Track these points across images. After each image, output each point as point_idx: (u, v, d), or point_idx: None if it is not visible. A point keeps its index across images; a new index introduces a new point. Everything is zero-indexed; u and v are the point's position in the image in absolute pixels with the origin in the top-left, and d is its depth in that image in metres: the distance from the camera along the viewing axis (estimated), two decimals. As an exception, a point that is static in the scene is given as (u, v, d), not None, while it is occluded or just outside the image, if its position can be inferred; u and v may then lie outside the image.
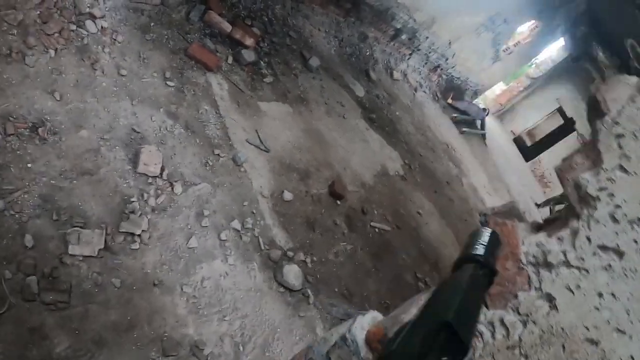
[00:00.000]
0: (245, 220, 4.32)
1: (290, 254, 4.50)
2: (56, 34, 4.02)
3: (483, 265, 1.15)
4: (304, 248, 4.72)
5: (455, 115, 12.13)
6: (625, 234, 1.20)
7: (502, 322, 1.31)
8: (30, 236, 3.16)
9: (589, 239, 1.23)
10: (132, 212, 3.59)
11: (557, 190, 18.45)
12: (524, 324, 1.27)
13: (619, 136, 1.26)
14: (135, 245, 3.51)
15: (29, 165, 3.36)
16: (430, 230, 7.27)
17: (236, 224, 4.21)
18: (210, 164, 4.44)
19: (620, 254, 1.21)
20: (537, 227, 1.47)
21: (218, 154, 4.57)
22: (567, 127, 16.60)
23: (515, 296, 1.30)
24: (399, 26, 9.18)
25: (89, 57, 4.14)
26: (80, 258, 3.27)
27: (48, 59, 3.89)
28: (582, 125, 16.18)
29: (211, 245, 3.93)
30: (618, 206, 1.19)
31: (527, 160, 18.11)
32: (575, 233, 1.25)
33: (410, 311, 1.46)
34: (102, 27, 4.37)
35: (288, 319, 4.11)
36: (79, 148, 3.63)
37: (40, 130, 3.49)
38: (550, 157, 18.36)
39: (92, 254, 3.30)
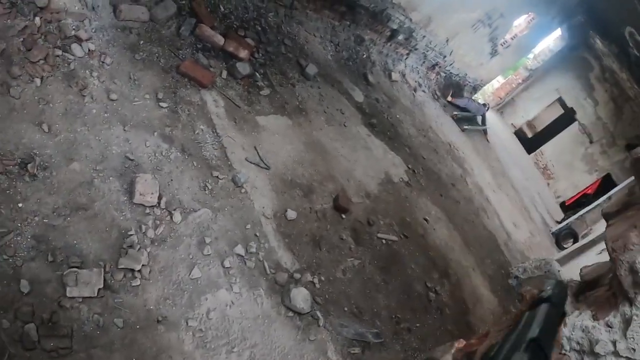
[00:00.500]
0: (249, 245, 4.14)
1: (297, 275, 4.32)
2: (41, 61, 3.83)
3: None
4: (311, 268, 4.54)
5: (456, 113, 11.96)
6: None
7: None
8: (26, 281, 3.00)
9: None
10: (131, 246, 3.41)
11: (561, 181, 18.32)
12: None
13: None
14: (136, 282, 3.34)
15: (20, 204, 3.18)
16: (438, 236, 7.09)
17: (240, 250, 4.03)
18: (210, 187, 4.26)
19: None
20: (578, 291, 1.31)
21: (217, 176, 4.38)
22: (568, 117, 16.44)
23: None
24: (395, 27, 8.99)
25: (77, 83, 3.94)
26: (80, 300, 3.12)
27: (34, 88, 3.69)
28: (583, 115, 16.05)
29: (215, 274, 3.75)
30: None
31: (529, 152, 17.97)
32: (627, 321, 1.12)
33: None
34: (89, 49, 4.16)
35: (298, 344, 3.94)
36: (71, 182, 3.44)
37: (29, 166, 3.32)
38: (552, 148, 18.23)
39: (91, 294, 3.14)
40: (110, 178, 3.64)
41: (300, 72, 6.73)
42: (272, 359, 3.69)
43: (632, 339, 1.09)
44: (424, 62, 10.79)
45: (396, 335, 4.92)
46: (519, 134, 18.62)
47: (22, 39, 3.82)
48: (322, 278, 4.57)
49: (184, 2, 5.22)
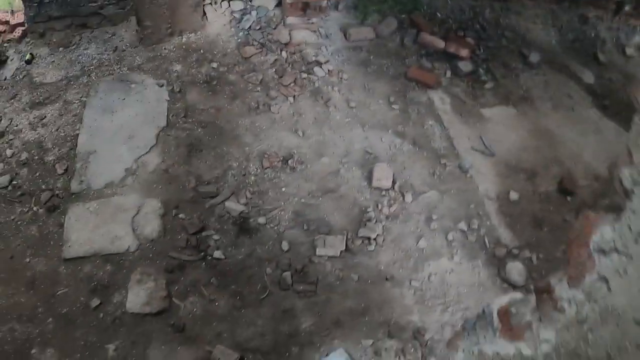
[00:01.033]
0: (472, 222, 4.65)
1: (515, 251, 4.68)
2: (292, 84, 5.10)
3: None
4: (530, 246, 4.84)
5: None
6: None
7: (574, 299, 1.64)
8: (287, 242, 4.24)
9: (630, 228, 1.45)
10: (369, 220, 4.32)
11: None
12: (589, 302, 1.57)
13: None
14: (371, 247, 4.27)
15: (283, 189, 4.45)
16: None
17: (462, 225, 4.58)
18: (437, 173, 4.88)
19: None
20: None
21: (444, 164, 4.99)
22: None
23: (584, 278, 1.61)
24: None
25: (322, 97, 5.04)
26: (326, 258, 4.18)
27: (288, 105, 4.98)
28: None
29: (439, 245, 4.39)
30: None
31: None
32: (621, 223, 1.49)
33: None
34: (328, 70, 5.29)
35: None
36: (322, 172, 4.48)
37: (289, 161, 4.60)
38: None
39: (335, 254, 4.18)
40: (353, 168, 4.61)
41: (523, 61, 6.94)
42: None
43: (623, 237, 1.47)
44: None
45: None
46: None
47: (274, 69, 5.27)
48: (541, 256, 4.83)
49: (404, 16, 5.99)
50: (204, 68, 5.56)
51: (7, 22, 6.00)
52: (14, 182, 4.62)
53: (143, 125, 5.05)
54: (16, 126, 5.06)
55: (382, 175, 4.50)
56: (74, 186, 4.60)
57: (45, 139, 4.95)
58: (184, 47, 5.83)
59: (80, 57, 5.75)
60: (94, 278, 4.06)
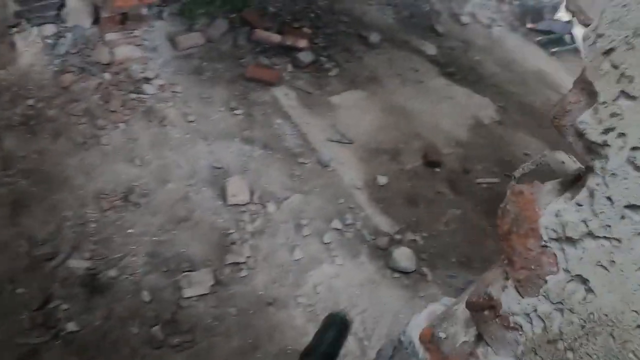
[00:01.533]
0: (345, 217, 4.31)
1: (397, 237, 4.42)
2: (120, 108, 4.38)
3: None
4: (411, 227, 4.62)
5: (539, 38, 11.36)
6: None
7: (536, 312, 1.14)
8: (147, 291, 3.49)
9: (610, 200, 0.96)
10: (233, 243, 3.76)
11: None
12: (561, 312, 1.08)
13: (609, 52, 0.94)
14: (244, 273, 3.69)
15: (130, 230, 3.66)
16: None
17: (336, 224, 4.22)
18: (297, 174, 4.48)
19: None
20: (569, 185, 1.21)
21: (302, 162, 4.60)
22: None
23: (545, 281, 1.11)
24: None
25: (156, 116, 4.40)
26: (195, 298, 3.52)
27: (120, 132, 4.23)
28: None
29: (316, 251, 3.97)
30: (636, 148, 0.89)
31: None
32: (592, 194, 0.99)
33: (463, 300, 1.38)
34: (159, 85, 4.63)
35: (408, 303, 4.04)
36: (170, 200, 3.85)
37: (131, 197, 3.83)
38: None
39: (205, 292, 3.54)
40: (203, 188, 4.02)
41: (364, 43, 6.78)
42: (384, 321, 3.83)
43: (602, 214, 0.97)
44: (493, -4, 10.37)
45: None
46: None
47: (99, 95, 4.41)
48: (424, 234, 4.63)
49: (234, 15, 5.51)
50: (19, 108, 4.70)
51: None
52: None
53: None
54: None
55: (237, 189, 4.00)
56: None
57: None
58: (-8, 87, 4.96)
59: None
60: None
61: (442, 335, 1.50)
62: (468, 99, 7.26)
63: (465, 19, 9.51)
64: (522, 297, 1.18)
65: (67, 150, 4.31)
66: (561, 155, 1.35)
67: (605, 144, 0.94)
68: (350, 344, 3.60)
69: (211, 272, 3.61)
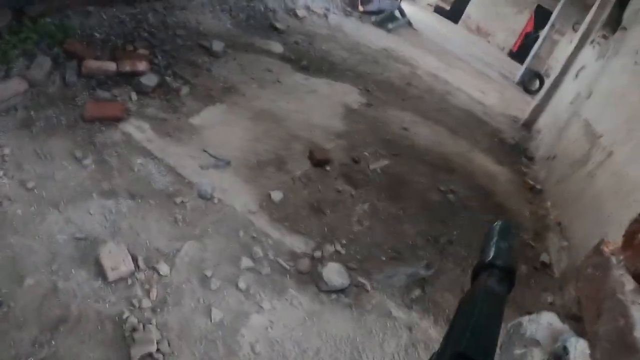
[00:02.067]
0: (253, 251, 3.51)
1: (317, 254, 3.72)
2: None
3: (499, 269, 0.91)
4: (327, 238, 3.95)
5: (373, 19, 11.27)
6: None
7: None
8: None
9: None
10: (134, 329, 2.75)
11: (498, 33, 17.82)
12: None
13: None
14: None
15: None
16: (423, 137, 6.55)
17: (246, 262, 3.40)
18: (180, 217, 3.59)
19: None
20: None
21: (182, 202, 3.71)
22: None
23: None
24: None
25: None
26: None
27: None
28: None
29: (235, 303, 3.13)
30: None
31: (456, 22, 17.42)
32: None
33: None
34: None
35: (359, 322, 3.38)
36: (34, 301, 2.74)
37: None
38: (476, 8, 17.66)
39: None
40: (72, 271, 2.95)
41: (208, 53, 6.00)
42: (342, 354, 3.12)
43: None
44: (320, -15, 10.07)
45: (442, 254, 4.40)
46: (438, 10, 18.06)
47: None
48: (343, 241, 3.99)
49: (55, 49, 4.42)
50: None
51: None
52: None
53: None
54: None
55: (115, 259, 3.01)
56: None
57: None
58: None
59: None
60: None
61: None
62: (330, 89, 6.77)
63: (301, 12, 9.06)
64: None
65: None
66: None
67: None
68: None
69: (118, 381, 2.61)
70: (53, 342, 2.60)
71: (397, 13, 12.39)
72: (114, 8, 5.38)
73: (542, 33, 13.70)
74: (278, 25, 8.02)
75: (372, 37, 10.39)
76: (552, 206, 6.22)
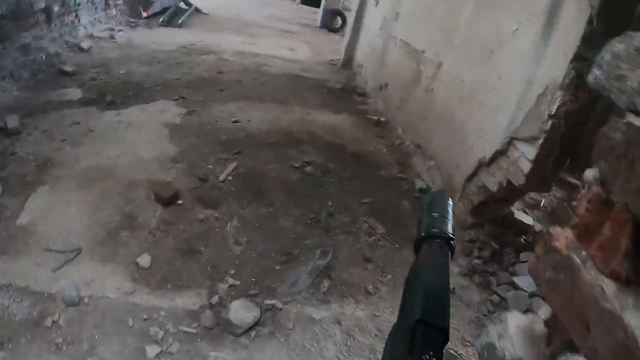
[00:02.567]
0: (152, 334, 3.12)
1: (214, 299, 3.44)
2: None
3: (436, 237, 0.94)
4: (214, 277, 3.66)
5: (161, 19, 10.67)
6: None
7: None
8: None
9: None
10: None
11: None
12: None
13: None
14: None
15: None
16: (257, 121, 6.37)
17: (152, 350, 2.99)
18: (60, 340, 3.03)
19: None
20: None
21: (53, 322, 3.14)
22: None
23: None
24: (43, 5, 7.39)
25: None
26: None
27: None
28: None
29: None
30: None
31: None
32: None
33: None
34: None
35: (289, 344, 3.18)
36: None
37: None
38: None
39: None
40: None
41: (6, 135, 5.22)
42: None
43: None
44: (96, 8, 9.27)
45: (331, 233, 4.32)
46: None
47: None
48: (232, 271, 3.72)
49: None
50: None
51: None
52: None
53: None
54: None
55: None
56: None
57: None
58: None
59: None
60: None
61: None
62: (145, 114, 6.24)
63: (85, 44, 8.27)
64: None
65: None
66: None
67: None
68: None
69: None
70: None
71: (182, 4, 11.85)
72: None
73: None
74: (67, 68, 7.26)
75: (166, 38, 9.83)
76: (404, 132, 6.34)
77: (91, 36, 8.67)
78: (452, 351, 3.35)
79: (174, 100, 6.74)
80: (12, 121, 5.39)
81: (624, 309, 1.52)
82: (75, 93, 6.61)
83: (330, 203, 4.76)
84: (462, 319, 3.70)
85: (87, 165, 4.93)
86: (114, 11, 9.92)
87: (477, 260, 4.37)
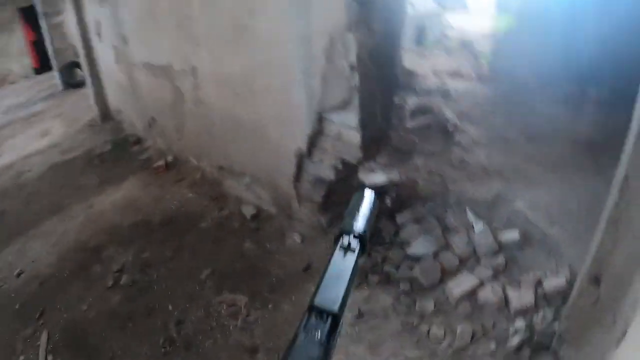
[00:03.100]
0: None
1: None
2: None
3: (350, 234, 1.01)
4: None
5: None
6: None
7: None
8: None
9: None
10: None
11: (15, 71, 15.34)
12: None
13: None
14: None
15: None
16: (45, 264, 4.88)
17: None
18: None
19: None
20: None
21: None
22: None
23: None
24: None
25: None
26: None
27: None
28: None
29: None
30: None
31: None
32: None
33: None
34: None
35: None
36: None
37: None
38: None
39: None
40: None
41: None
42: None
43: None
44: None
45: (194, 347, 3.39)
46: None
47: None
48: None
49: None
50: None
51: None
52: None
53: None
54: None
55: None
56: None
57: None
58: None
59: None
60: None
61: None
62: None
63: None
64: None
65: None
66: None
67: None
68: None
69: None
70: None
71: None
72: None
73: (42, 29, 11.65)
74: None
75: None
76: (199, 160, 5.38)
77: None
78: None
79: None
80: None
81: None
82: None
83: (170, 307, 3.63)
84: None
85: None
86: None
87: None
